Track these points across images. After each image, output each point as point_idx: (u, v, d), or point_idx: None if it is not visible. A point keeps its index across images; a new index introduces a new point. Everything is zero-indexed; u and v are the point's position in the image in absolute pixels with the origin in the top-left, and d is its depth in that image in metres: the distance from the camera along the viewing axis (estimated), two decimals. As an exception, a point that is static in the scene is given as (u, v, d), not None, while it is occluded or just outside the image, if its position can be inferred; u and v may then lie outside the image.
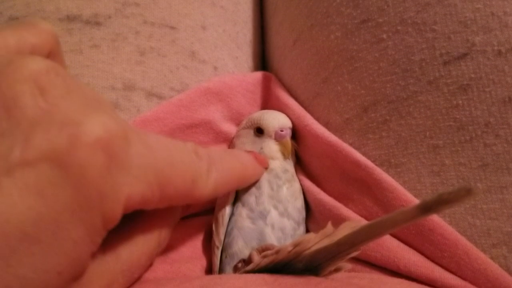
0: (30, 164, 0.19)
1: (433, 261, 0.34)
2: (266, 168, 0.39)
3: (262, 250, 0.34)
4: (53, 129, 0.20)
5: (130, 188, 0.22)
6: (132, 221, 0.26)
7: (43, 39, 0.26)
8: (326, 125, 0.40)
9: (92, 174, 0.20)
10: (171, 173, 0.25)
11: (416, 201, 0.34)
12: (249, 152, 0.37)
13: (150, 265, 0.28)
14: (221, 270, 0.36)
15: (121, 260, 0.25)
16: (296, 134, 0.43)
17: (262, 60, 0.53)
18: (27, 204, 0.18)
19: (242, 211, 0.37)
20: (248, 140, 0.42)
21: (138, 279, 0.28)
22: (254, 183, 0.38)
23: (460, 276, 0.33)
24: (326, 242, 0.27)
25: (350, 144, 0.38)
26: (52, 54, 0.27)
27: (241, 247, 0.36)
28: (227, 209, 0.38)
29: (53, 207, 0.19)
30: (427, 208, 0.21)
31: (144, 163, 0.23)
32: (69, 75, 0.23)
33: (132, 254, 0.26)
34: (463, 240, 0.33)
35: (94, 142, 0.20)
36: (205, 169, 0.28)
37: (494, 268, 0.32)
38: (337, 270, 0.30)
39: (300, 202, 0.40)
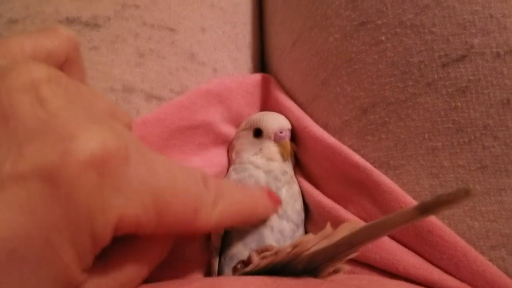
0: (21, 178, 0.18)
1: (432, 263, 0.34)
2: (280, 204, 0.37)
3: (261, 251, 0.33)
4: (48, 142, 0.19)
5: (123, 210, 0.21)
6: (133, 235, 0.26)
7: (60, 45, 0.26)
8: (325, 127, 0.40)
9: (82, 193, 0.19)
10: (172, 200, 0.24)
11: (414, 203, 0.34)
12: (263, 187, 0.36)
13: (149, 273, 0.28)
14: (220, 272, 0.36)
15: (123, 273, 0.24)
16: (295, 136, 0.43)
17: (262, 61, 0.53)
18: (16, 220, 0.18)
19: (241, 213, 0.37)
20: (247, 142, 0.42)
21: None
22: (253, 185, 0.38)
23: (459, 278, 0.33)
24: (325, 243, 0.27)
25: (349, 146, 0.38)
26: (69, 60, 0.27)
27: (240, 249, 0.36)
28: (226, 211, 0.37)
29: (43, 225, 0.19)
30: (425, 209, 0.21)
31: (143, 185, 0.22)
32: (75, 85, 0.23)
33: (133, 267, 0.25)
34: (462, 242, 0.33)
35: (87, 159, 0.19)
36: (211, 200, 0.27)
37: (493, 270, 0.32)
38: (336, 271, 0.30)
39: (299, 204, 0.40)
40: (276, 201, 0.36)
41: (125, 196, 0.21)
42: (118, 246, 0.24)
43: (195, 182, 0.26)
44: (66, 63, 0.27)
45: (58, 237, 0.19)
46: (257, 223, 0.36)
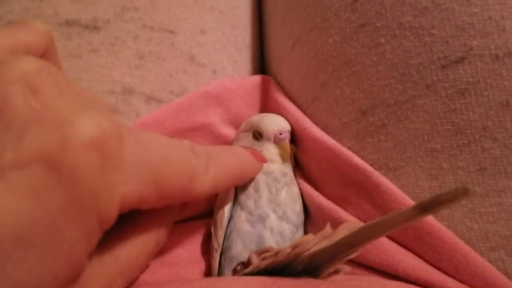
0: (23, 166, 0.19)
1: (431, 264, 0.34)
2: (264, 162, 0.39)
3: (261, 252, 0.34)
4: (45, 130, 0.19)
5: (125, 188, 0.22)
6: (130, 221, 0.26)
7: (37, 38, 0.26)
8: (325, 128, 0.40)
9: (86, 174, 0.20)
10: (168, 171, 0.24)
11: (414, 204, 0.34)
12: (246, 148, 0.37)
13: (147, 266, 0.28)
14: (220, 273, 0.36)
15: (120, 261, 0.25)
16: (294, 137, 0.43)
17: (261, 63, 0.53)
18: (20, 207, 0.18)
19: (241, 214, 0.37)
20: (247, 143, 0.42)
21: (135, 279, 0.27)
22: (253, 186, 0.38)
23: (458, 280, 0.33)
24: (325, 243, 0.27)
25: (349, 148, 0.38)
26: (47, 53, 0.27)
27: (240, 250, 0.36)
28: (226, 212, 0.37)
29: (47, 209, 0.19)
30: (424, 208, 0.21)
31: (139, 162, 0.23)
32: (62, 75, 0.23)
33: (130, 255, 0.25)
34: (461, 244, 0.33)
35: (87, 142, 0.20)
36: (203, 166, 0.28)
37: (492, 272, 0.32)
38: (336, 272, 0.30)
39: (299, 206, 0.40)
40: (260, 158, 0.38)
41: (126, 174, 0.22)
42: (116, 230, 0.24)
43: (185, 151, 0.27)
44: (43, 57, 0.27)
45: (64, 221, 0.19)
46: (247, 182, 0.38)
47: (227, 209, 0.38)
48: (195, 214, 0.42)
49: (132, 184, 0.22)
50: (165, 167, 0.24)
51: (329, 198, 0.39)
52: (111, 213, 0.21)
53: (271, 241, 0.36)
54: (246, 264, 0.35)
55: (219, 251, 0.37)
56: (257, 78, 0.48)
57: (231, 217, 0.38)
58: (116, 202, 0.21)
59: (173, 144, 0.26)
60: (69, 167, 0.19)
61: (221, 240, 0.37)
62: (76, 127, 0.20)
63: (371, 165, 0.37)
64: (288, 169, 0.41)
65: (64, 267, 0.20)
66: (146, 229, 0.27)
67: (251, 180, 0.38)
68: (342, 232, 0.27)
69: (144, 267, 0.27)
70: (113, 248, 0.25)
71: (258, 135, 0.41)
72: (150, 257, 0.27)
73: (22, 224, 0.18)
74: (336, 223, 0.35)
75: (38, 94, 0.21)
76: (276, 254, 0.29)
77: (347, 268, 0.30)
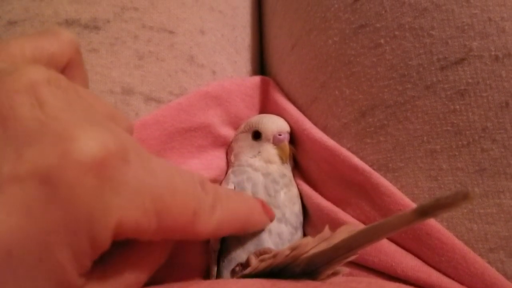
0: (20, 180, 0.18)
1: (430, 265, 0.34)
2: (271, 220, 0.37)
3: (260, 254, 0.33)
4: (47, 144, 0.19)
5: (123, 213, 0.21)
6: (133, 242, 0.25)
7: (61, 48, 0.26)
8: (324, 129, 0.40)
9: (81, 194, 0.19)
10: (171, 202, 0.23)
11: (413, 205, 0.34)
12: (256, 199, 0.36)
13: (146, 281, 0.28)
14: (218, 274, 0.36)
15: (121, 280, 0.24)
16: (294, 138, 0.43)
17: (261, 64, 0.53)
18: (13, 222, 0.18)
19: (240, 216, 0.37)
20: (246, 144, 0.42)
21: None
22: (252, 188, 0.38)
23: (457, 281, 0.33)
24: (323, 246, 0.27)
25: (348, 149, 0.38)
26: (71, 63, 0.27)
27: (239, 252, 0.36)
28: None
29: (40, 227, 0.18)
30: (424, 212, 0.21)
31: (142, 188, 0.22)
32: (75, 88, 0.23)
33: (132, 273, 0.25)
34: (460, 245, 0.33)
35: (87, 160, 0.19)
36: (210, 204, 0.27)
37: (492, 273, 0.32)
38: (334, 274, 0.30)
39: (297, 207, 0.40)
40: (269, 213, 0.36)
41: (125, 198, 0.21)
42: (117, 252, 0.24)
43: (193, 185, 0.26)
44: (68, 67, 0.27)
45: (55, 240, 0.19)
46: (251, 231, 0.36)
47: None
48: None
49: (130, 209, 0.21)
50: (169, 197, 0.23)
51: (328, 199, 0.39)
52: (105, 237, 0.21)
53: (270, 243, 0.36)
54: (244, 265, 0.35)
55: (217, 252, 0.37)
56: (257, 79, 0.48)
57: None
58: (110, 226, 0.20)
59: (182, 175, 0.25)
60: (65, 185, 0.19)
61: (219, 241, 0.37)
62: (77, 143, 0.19)
63: (371, 166, 0.37)
64: (287, 170, 0.41)
65: (54, 287, 0.20)
66: (150, 248, 0.26)
67: (250, 181, 0.38)
68: (341, 235, 0.27)
69: (144, 282, 0.26)
70: (115, 266, 0.24)
71: (257, 136, 0.41)
72: (150, 274, 0.27)
73: (14, 240, 0.18)
74: (335, 224, 0.35)
75: (45, 105, 0.20)
76: (275, 256, 0.29)
77: (345, 269, 0.30)
